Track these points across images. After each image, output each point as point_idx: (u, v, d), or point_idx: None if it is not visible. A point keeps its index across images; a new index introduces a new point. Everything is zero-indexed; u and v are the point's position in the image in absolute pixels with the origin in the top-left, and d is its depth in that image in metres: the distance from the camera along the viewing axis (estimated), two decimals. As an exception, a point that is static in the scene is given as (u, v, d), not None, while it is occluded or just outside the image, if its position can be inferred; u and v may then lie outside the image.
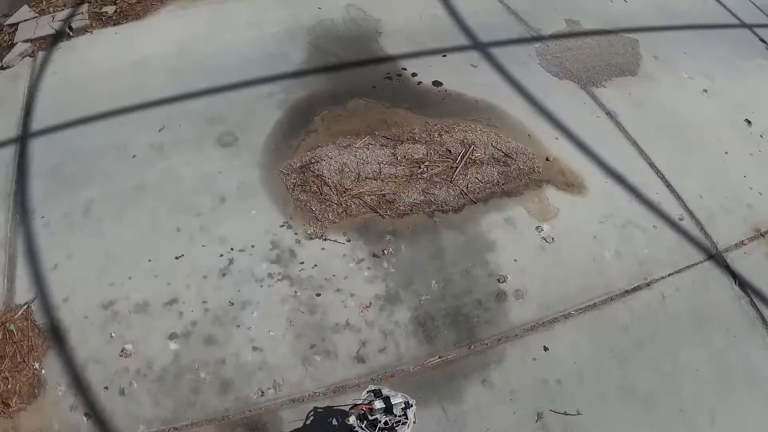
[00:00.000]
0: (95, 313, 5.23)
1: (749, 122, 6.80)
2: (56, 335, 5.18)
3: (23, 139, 6.46)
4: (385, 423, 4.29)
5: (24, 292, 5.38)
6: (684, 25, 7.94)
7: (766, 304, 5.63)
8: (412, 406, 4.35)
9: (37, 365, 5.06)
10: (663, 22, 7.93)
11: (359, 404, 4.27)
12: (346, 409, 4.69)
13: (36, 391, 4.98)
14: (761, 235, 6.03)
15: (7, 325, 5.23)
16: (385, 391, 4.29)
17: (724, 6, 8.44)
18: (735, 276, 5.71)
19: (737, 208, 6.15)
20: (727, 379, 5.20)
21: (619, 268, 5.58)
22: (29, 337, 5.20)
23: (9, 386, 4.99)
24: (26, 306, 5.34)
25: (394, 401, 4.22)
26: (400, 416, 4.29)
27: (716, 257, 5.79)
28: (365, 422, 4.29)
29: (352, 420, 4.27)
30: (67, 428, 4.77)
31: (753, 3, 8.64)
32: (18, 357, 5.12)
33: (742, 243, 5.94)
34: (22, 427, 4.80)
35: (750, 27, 8.19)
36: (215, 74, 6.81)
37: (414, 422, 4.64)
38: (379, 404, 4.22)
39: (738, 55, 7.66)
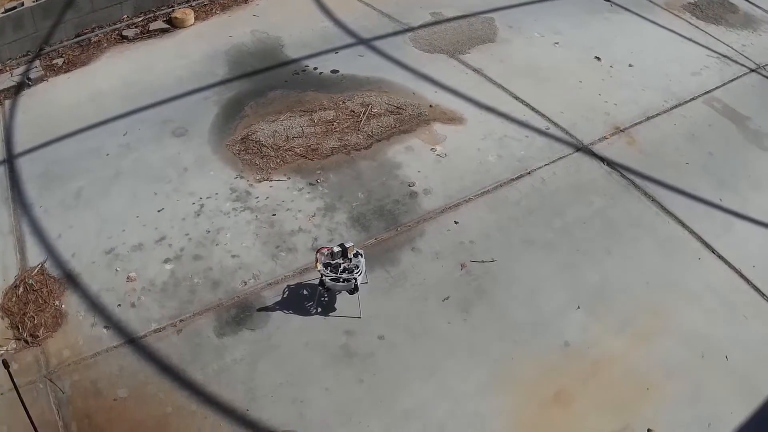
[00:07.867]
0: (100, 258, 6.63)
1: (599, 58, 8.86)
2: (70, 279, 6.52)
3: (9, 160, 7.85)
4: (344, 269, 5.90)
5: (36, 258, 6.72)
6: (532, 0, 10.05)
7: (635, 174, 7.33)
8: (361, 254, 6.00)
9: (57, 302, 6.36)
10: (513, 1, 10.06)
11: (322, 247, 5.90)
12: (314, 282, 6.25)
13: (59, 320, 6.25)
14: (621, 130, 7.83)
15: (26, 280, 6.53)
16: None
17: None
18: (603, 159, 7.48)
19: (596, 116, 8.03)
20: (613, 226, 6.81)
21: (502, 165, 7.45)
22: (47, 285, 6.51)
23: (35, 322, 6.23)
24: (40, 265, 6.67)
25: (347, 245, 5.87)
26: (354, 264, 5.89)
27: (583, 149, 7.62)
28: (329, 269, 5.90)
29: (319, 267, 5.86)
30: (90, 340, 6.04)
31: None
32: (39, 300, 6.39)
33: (605, 138, 7.73)
34: (51, 349, 6.01)
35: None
36: (158, 92, 8.49)
37: (366, 282, 6.28)
38: (337, 248, 5.85)
39: (585, 12, 9.71)
